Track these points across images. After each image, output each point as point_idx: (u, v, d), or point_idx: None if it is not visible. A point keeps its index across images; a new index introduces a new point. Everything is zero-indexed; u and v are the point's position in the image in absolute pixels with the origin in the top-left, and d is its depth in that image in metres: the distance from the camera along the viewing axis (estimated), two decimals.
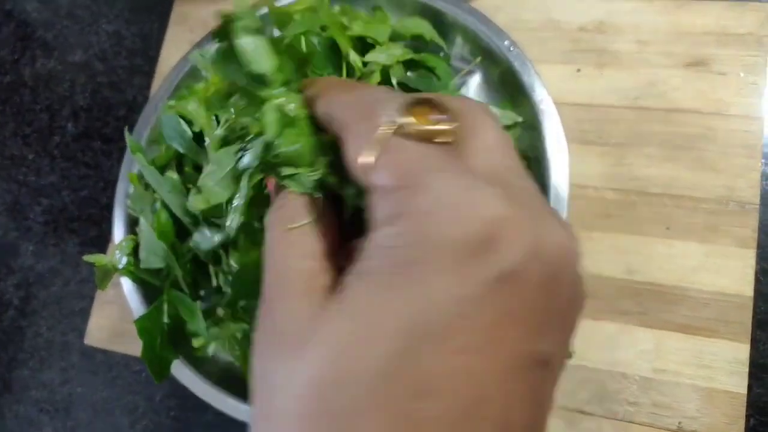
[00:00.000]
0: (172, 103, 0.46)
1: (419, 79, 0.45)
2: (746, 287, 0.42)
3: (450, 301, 0.16)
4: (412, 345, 0.16)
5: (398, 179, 0.17)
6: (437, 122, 0.18)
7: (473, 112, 0.20)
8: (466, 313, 0.16)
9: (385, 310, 0.16)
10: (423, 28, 0.48)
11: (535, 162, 0.46)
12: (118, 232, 0.51)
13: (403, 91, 0.37)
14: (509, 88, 0.48)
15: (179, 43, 0.58)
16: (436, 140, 0.18)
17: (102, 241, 0.60)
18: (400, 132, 0.18)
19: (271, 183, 0.25)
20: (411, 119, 0.18)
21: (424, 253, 0.16)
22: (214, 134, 0.40)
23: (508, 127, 0.47)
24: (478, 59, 0.49)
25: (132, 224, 0.51)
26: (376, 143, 0.18)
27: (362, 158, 0.18)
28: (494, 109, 0.46)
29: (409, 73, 0.44)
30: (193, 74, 0.54)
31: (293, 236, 0.21)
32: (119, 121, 0.62)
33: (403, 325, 0.16)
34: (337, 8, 0.45)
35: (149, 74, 0.61)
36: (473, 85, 0.50)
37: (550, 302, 0.17)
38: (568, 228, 0.18)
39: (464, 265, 0.16)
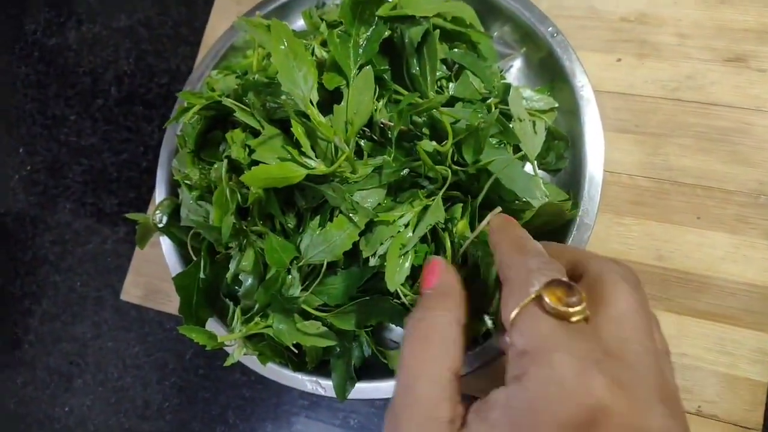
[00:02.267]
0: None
1: (463, 56, 0.46)
2: None
3: None
4: None
5: (526, 344, 0.21)
6: (569, 305, 0.22)
7: (610, 280, 0.23)
8: None
9: None
10: (464, 12, 0.49)
11: (571, 146, 0.47)
12: (160, 192, 0.53)
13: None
14: (549, 73, 0.49)
15: (226, 14, 0.59)
16: (571, 319, 0.22)
17: (140, 203, 0.61)
18: (541, 305, 0.22)
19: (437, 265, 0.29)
20: (550, 298, 0.22)
21: (532, 424, 0.19)
22: None
23: (544, 112, 0.48)
24: (523, 50, 0.50)
25: (173, 186, 0.53)
26: (521, 308, 0.22)
27: (508, 315, 0.23)
28: (528, 92, 0.47)
29: (455, 50, 0.45)
30: (238, 46, 0.55)
31: (429, 354, 0.24)
32: (162, 88, 0.63)
33: None
34: None
35: (194, 44, 0.62)
36: (514, 69, 0.51)
37: None
38: (677, 416, 0.20)
39: None
